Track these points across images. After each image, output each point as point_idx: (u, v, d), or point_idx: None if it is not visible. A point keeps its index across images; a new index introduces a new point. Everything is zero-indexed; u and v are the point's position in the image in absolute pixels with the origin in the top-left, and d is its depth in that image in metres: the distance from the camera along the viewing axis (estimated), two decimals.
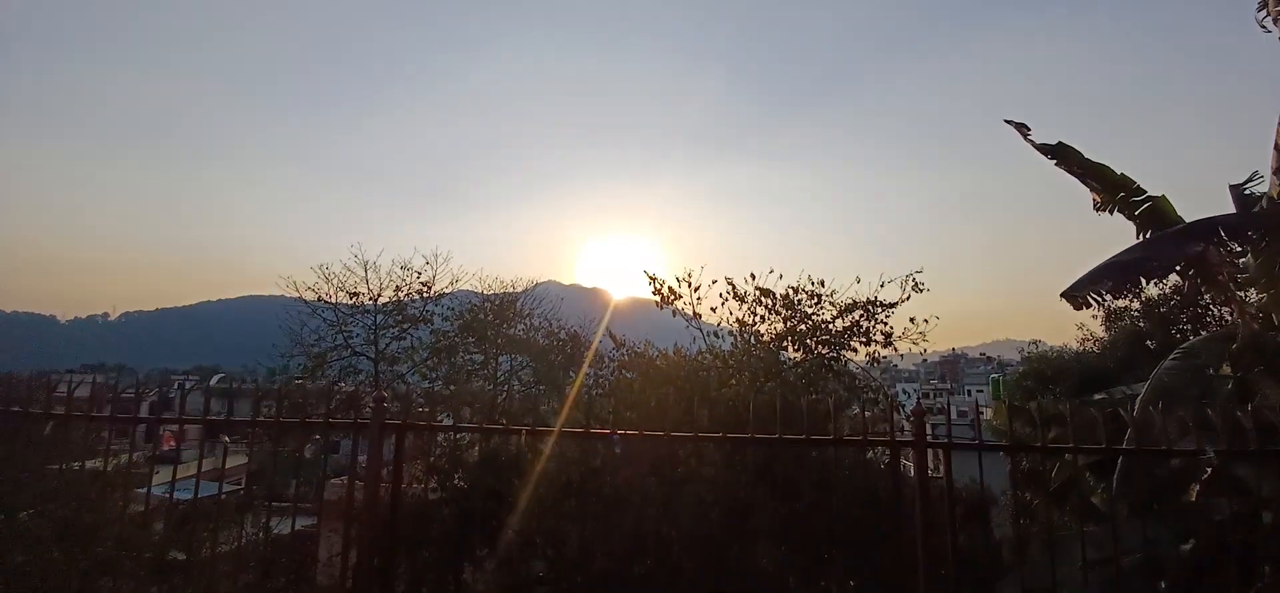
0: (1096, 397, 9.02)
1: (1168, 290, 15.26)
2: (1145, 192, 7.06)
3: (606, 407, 11.55)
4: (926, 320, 9.41)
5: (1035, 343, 15.21)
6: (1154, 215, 6.99)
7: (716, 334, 10.13)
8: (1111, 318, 16.23)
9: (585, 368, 15.71)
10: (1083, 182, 7.32)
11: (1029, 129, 6.67)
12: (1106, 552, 3.59)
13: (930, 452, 3.17)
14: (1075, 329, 16.93)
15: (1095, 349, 16.50)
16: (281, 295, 14.33)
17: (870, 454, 6.16)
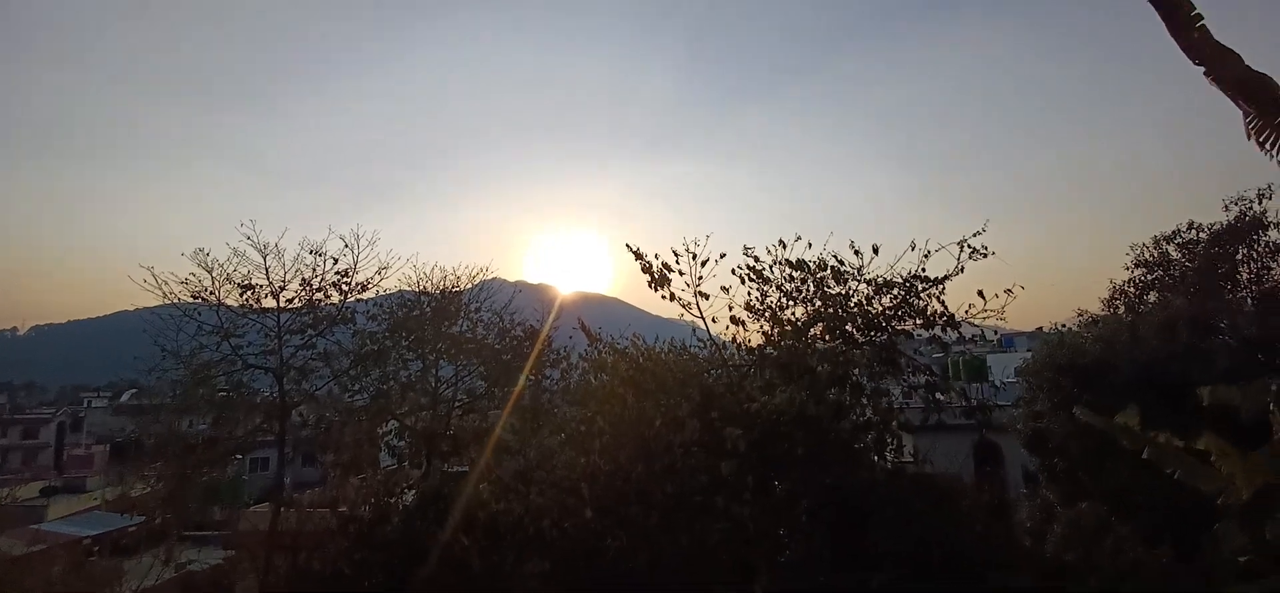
0: None
1: (1198, 267, 13.97)
2: None
3: (576, 417, 9.02)
4: (1008, 292, 7.16)
5: (1060, 326, 13.44)
6: None
7: (720, 330, 7.64)
8: (1130, 296, 14.83)
9: (529, 367, 13.01)
10: (1236, 101, 5.30)
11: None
12: None
13: None
14: (1073, 313, 15.53)
15: (1093, 332, 14.91)
16: (205, 301, 10.98)
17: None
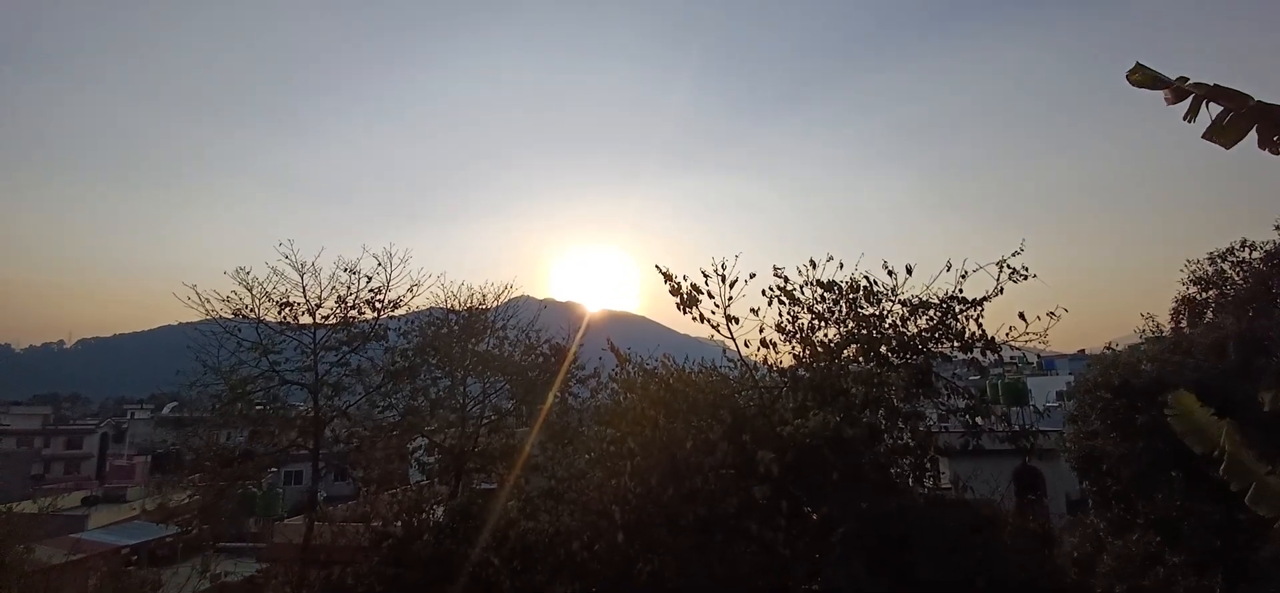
0: None
1: (1251, 285, 13.47)
2: None
3: (605, 436, 8.96)
4: (1052, 314, 6.91)
5: (1111, 347, 12.95)
6: None
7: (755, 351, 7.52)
8: (1191, 310, 14.37)
9: (557, 385, 13.02)
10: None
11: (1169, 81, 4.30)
12: None
13: None
14: (1140, 319, 14.97)
15: (1148, 352, 14.36)
16: (245, 318, 11.31)
17: None
